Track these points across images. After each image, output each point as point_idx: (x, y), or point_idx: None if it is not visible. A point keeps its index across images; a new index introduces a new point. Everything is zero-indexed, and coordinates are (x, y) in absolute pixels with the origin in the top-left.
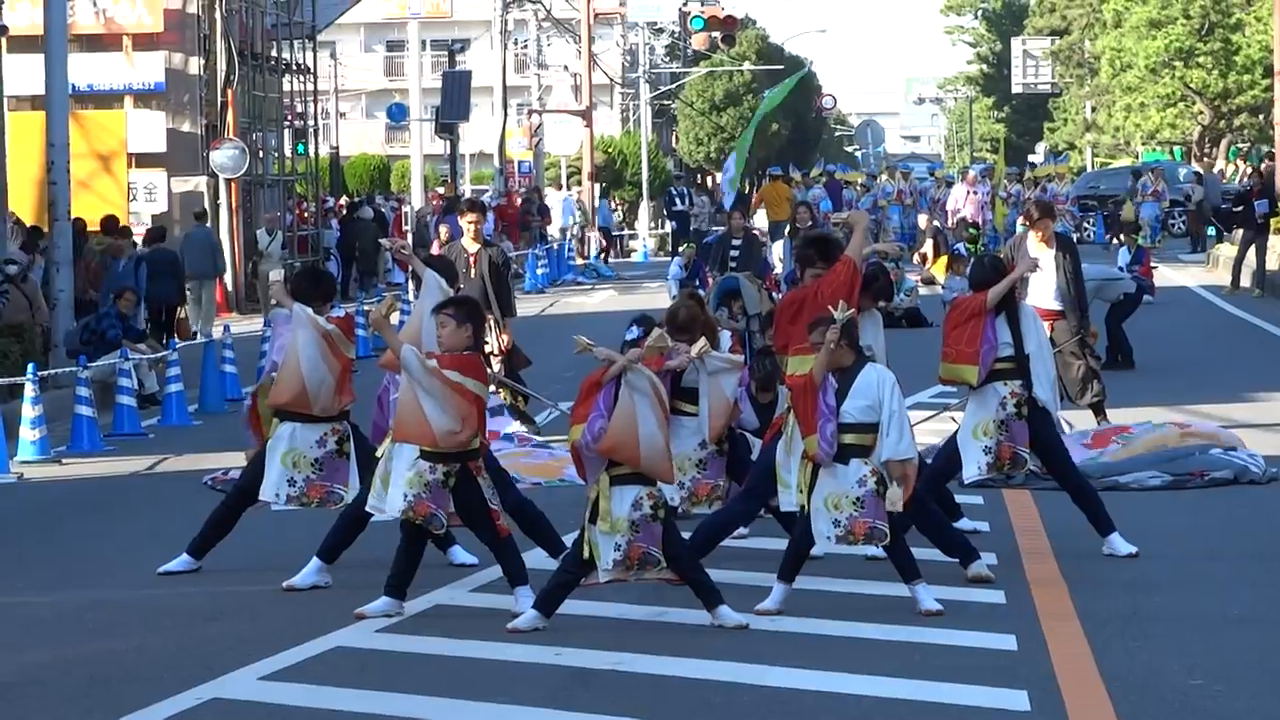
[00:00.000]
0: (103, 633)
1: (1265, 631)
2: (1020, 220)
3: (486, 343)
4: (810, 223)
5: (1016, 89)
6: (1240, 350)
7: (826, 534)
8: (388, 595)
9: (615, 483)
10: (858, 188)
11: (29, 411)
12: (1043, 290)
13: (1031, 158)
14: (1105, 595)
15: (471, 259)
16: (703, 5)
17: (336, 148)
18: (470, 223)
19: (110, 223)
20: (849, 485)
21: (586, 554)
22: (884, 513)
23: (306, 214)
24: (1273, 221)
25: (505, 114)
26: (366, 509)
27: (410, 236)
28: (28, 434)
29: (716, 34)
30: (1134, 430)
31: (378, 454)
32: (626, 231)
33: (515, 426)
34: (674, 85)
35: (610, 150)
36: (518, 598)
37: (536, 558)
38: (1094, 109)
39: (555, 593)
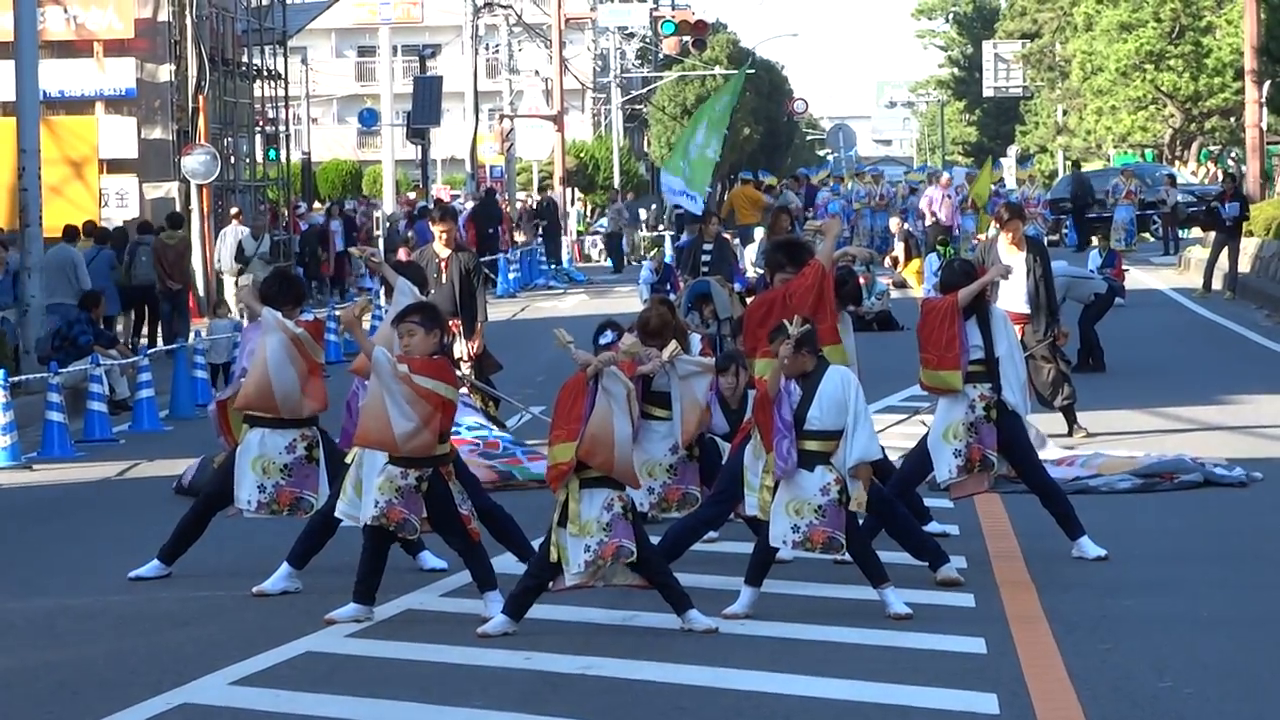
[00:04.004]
0: (73, 638)
1: (1235, 633)
2: (992, 222)
3: (454, 346)
4: (790, 228)
5: (988, 92)
6: (1212, 353)
7: (784, 537)
8: (356, 602)
9: (585, 485)
10: (828, 189)
11: None
12: (1013, 293)
13: (1003, 161)
14: (1074, 598)
15: (443, 264)
16: (673, 10)
17: (308, 153)
18: (443, 232)
19: (175, 218)
20: (812, 493)
21: (554, 557)
22: (843, 523)
23: (282, 221)
24: (1244, 225)
25: (476, 119)
26: (337, 514)
27: (380, 242)
28: None
29: (687, 38)
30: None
31: (347, 460)
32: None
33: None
34: (645, 90)
35: (582, 155)
36: (487, 602)
37: (506, 563)
38: (1065, 112)
39: (523, 597)
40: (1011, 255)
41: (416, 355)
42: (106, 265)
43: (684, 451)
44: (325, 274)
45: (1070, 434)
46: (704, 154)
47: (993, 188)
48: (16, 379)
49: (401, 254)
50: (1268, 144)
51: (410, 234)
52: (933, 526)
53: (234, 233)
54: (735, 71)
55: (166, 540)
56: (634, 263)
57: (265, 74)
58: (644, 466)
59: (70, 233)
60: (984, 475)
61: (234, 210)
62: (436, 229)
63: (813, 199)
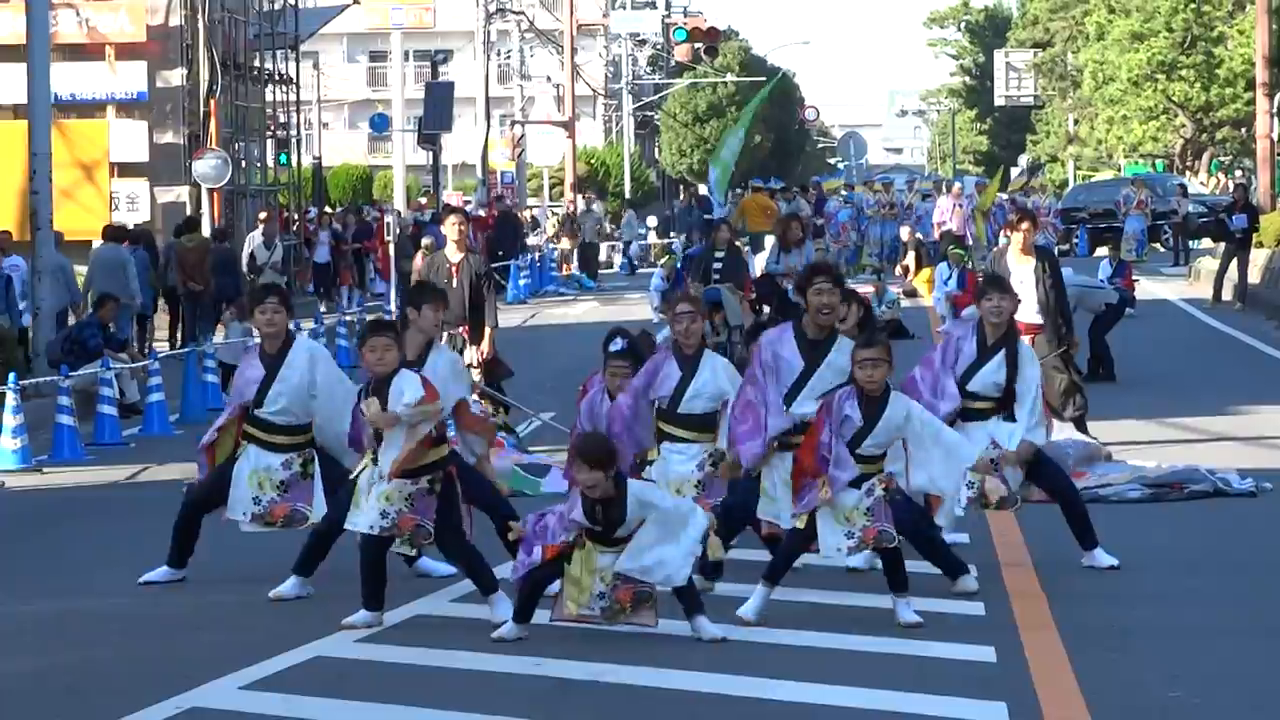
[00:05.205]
0: (82, 642)
1: (1244, 644)
2: (1002, 231)
3: (464, 351)
4: (801, 235)
5: (999, 101)
6: (1222, 363)
7: (839, 546)
8: (367, 609)
9: (600, 550)
10: (839, 198)
11: (10, 420)
12: (1026, 304)
13: (1014, 170)
14: (1084, 607)
15: (454, 268)
16: (685, 17)
17: (319, 158)
18: (454, 224)
19: (193, 221)
20: (859, 498)
21: (563, 595)
22: (891, 517)
23: (292, 226)
24: (1254, 236)
25: (488, 125)
26: (347, 525)
27: (391, 247)
28: (9, 443)
29: (699, 45)
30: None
31: (355, 474)
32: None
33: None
34: (657, 96)
35: (593, 161)
36: (493, 605)
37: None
38: (1076, 122)
39: (528, 604)
40: (1020, 262)
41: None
42: (142, 267)
43: (710, 468)
44: (301, 281)
45: None
46: (728, 165)
47: (1002, 196)
48: (27, 382)
49: (418, 259)
50: (1278, 155)
51: (428, 239)
52: (944, 536)
53: (261, 235)
54: (746, 79)
55: (170, 547)
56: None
57: (277, 78)
58: (671, 484)
59: (116, 233)
60: (1002, 507)
61: (261, 215)
62: (448, 224)
63: (822, 207)
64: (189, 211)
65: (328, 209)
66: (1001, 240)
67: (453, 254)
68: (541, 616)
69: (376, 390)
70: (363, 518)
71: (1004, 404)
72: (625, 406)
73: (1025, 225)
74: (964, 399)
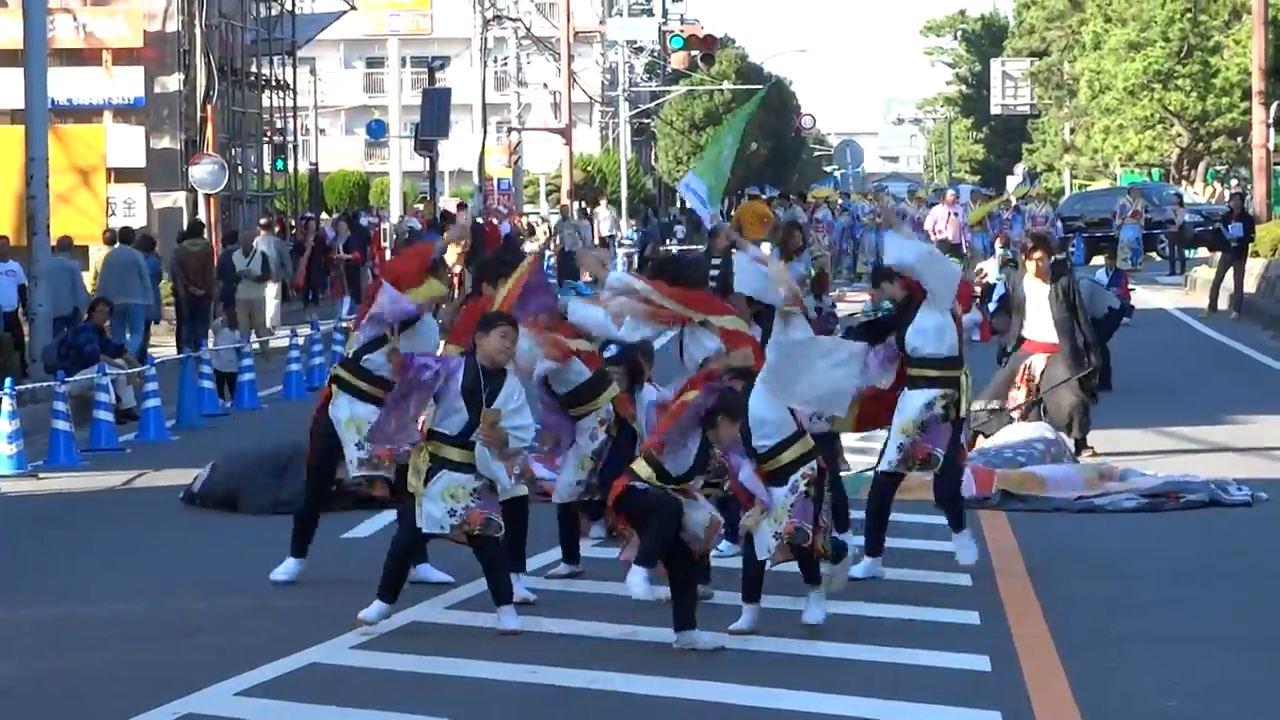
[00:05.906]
0: (79, 647)
1: (1241, 653)
2: (996, 240)
3: None
4: (801, 244)
5: (995, 110)
6: (1217, 373)
7: (769, 547)
8: (382, 600)
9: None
10: (837, 207)
11: (5, 426)
12: (1041, 325)
13: (1011, 179)
14: (1079, 616)
15: (455, 278)
16: (682, 24)
17: (316, 164)
18: (457, 250)
19: (196, 226)
20: (785, 495)
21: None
22: (811, 515)
23: (290, 230)
24: (1249, 245)
25: (485, 131)
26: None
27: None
28: (4, 448)
29: (696, 53)
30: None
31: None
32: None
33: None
34: (653, 104)
35: (589, 168)
36: (501, 616)
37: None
38: (1073, 131)
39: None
40: (1035, 286)
41: None
42: (153, 272)
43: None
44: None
45: (1077, 453)
46: (722, 171)
47: (995, 210)
48: (23, 387)
49: None
50: (1275, 164)
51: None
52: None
53: (262, 243)
54: (743, 87)
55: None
56: None
57: (274, 84)
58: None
59: (125, 236)
60: (924, 469)
61: (262, 221)
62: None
63: (813, 215)
64: (186, 216)
65: (324, 214)
66: (997, 250)
67: (455, 266)
68: (539, 624)
69: (490, 381)
70: (430, 517)
71: (948, 369)
72: None
73: (1037, 254)
74: (912, 367)
